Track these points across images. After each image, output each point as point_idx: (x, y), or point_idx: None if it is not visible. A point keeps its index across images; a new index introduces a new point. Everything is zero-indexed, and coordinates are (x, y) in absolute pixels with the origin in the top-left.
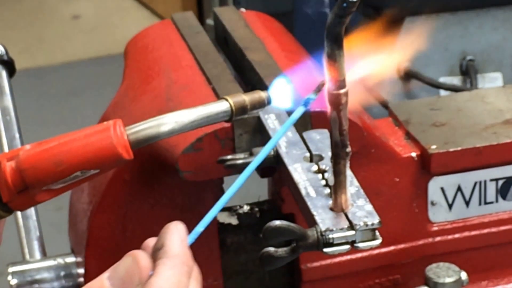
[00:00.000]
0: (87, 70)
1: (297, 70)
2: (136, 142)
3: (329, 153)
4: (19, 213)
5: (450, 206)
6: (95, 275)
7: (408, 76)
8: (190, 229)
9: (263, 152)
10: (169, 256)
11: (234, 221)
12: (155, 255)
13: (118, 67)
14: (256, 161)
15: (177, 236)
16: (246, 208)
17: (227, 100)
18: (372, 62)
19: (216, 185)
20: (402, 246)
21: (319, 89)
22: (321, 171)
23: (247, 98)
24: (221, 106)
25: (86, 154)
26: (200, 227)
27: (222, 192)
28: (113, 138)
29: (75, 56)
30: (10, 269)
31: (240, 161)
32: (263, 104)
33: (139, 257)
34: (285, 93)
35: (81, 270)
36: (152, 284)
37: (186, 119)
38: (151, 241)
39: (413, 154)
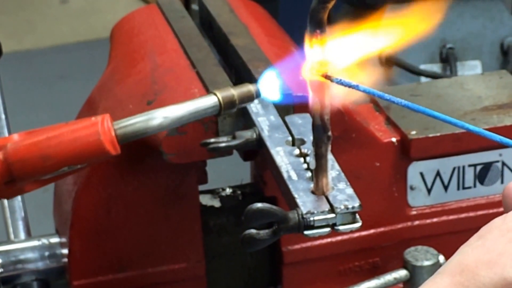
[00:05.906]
0: (75, 54)
1: (282, 57)
2: (124, 137)
3: (311, 137)
4: None
5: (429, 190)
6: (79, 255)
7: (389, 62)
8: (172, 212)
9: None
10: None
11: (216, 203)
12: None
13: (106, 51)
14: None
15: None
16: (228, 190)
17: (215, 94)
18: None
19: (199, 168)
20: (381, 229)
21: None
22: (303, 155)
23: (235, 92)
24: (210, 101)
25: (74, 150)
26: None
27: (205, 174)
28: (101, 134)
29: (63, 40)
30: None
31: (223, 144)
32: (251, 97)
33: None
34: (274, 86)
35: (65, 251)
36: None
37: (174, 114)
38: None
39: (393, 139)
